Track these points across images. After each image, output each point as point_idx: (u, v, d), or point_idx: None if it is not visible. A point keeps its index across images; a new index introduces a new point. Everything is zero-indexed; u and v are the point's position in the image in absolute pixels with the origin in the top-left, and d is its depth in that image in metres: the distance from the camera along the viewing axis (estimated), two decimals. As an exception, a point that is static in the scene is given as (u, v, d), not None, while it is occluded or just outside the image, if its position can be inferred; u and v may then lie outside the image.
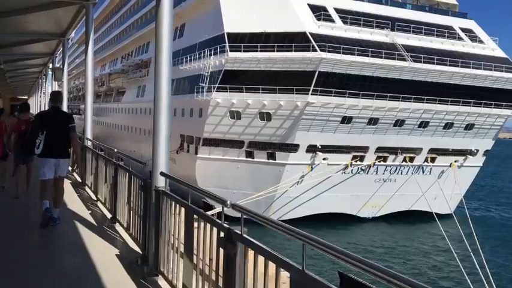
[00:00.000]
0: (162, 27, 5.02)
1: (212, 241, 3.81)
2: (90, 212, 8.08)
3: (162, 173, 5.00)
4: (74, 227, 7.10)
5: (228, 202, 3.69)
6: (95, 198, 8.79)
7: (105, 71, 68.44)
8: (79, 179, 10.97)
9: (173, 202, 4.69)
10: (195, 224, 4.18)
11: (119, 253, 5.83)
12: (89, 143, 10.09)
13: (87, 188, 9.98)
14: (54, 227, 7.06)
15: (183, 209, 4.47)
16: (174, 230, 4.67)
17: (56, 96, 7.68)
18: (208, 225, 3.90)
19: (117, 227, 7.04)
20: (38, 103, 33.11)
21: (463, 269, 22.09)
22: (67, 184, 9.84)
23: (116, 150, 6.78)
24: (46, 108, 17.17)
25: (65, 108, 13.93)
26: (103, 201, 8.14)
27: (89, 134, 10.35)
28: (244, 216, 3.34)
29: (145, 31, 47.84)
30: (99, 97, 70.28)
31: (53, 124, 7.19)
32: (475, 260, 22.64)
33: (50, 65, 20.63)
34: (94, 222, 7.40)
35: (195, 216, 4.21)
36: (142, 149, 43.90)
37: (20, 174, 9.53)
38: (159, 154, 5.06)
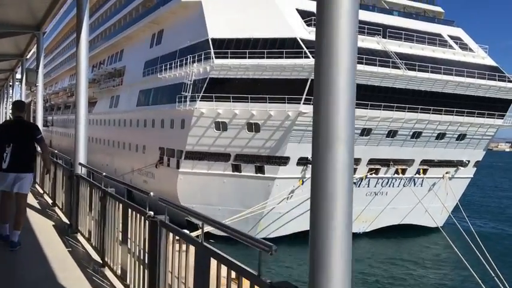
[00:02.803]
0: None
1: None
2: None
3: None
4: None
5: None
6: (100, 262, 5.87)
7: (74, 80, 65.16)
8: (65, 220, 8.25)
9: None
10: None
11: None
12: (83, 171, 7.05)
13: (80, 238, 7.06)
14: (14, 252, 6.34)
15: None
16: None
17: (19, 106, 7.12)
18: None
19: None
20: (4, 114, 30.17)
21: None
22: (49, 229, 7.90)
23: (152, 193, 4.31)
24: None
25: (40, 119, 11.67)
26: (119, 274, 5.36)
27: (81, 157, 7.07)
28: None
29: (119, 38, 45.43)
30: (68, 108, 66.93)
31: (19, 136, 6.71)
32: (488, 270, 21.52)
33: (19, 70, 18.15)
34: None
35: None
36: (116, 162, 41.38)
37: None
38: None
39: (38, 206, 9.72)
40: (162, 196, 4.14)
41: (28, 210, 8.26)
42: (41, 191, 11.46)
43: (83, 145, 7.26)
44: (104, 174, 5.78)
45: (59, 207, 9.28)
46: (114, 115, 44.18)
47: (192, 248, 3.37)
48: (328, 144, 2.21)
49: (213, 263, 3.10)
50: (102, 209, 5.75)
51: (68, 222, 7.83)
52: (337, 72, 2.22)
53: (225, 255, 2.98)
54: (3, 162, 6.58)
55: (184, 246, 3.56)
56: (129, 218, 4.85)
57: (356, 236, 31.13)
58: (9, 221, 6.73)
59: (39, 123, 11.53)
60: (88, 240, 6.71)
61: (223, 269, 3.00)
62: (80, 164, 7.19)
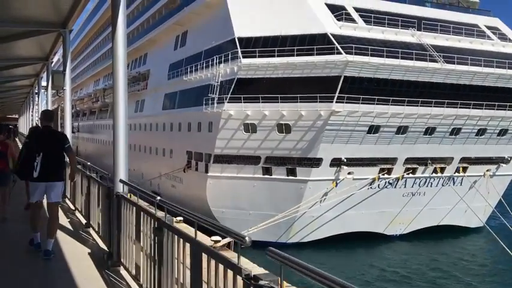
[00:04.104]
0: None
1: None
2: None
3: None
4: None
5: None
6: None
7: (99, 86, 65.40)
8: (103, 245, 6.97)
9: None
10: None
11: None
12: (125, 189, 5.77)
13: (124, 273, 5.74)
14: (49, 261, 6.33)
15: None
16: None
17: (47, 115, 7.27)
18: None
19: None
20: (30, 122, 29.85)
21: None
22: (84, 257, 6.72)
23: (247, 239, 3.01)
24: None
25: (68, 126, 10.75)
26: None
27: (122, 172, 5.83)
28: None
29: (143, 42, 45.04)
30: (93, 114, 67.18)
31: (49, 145, 6.83)
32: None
33: (44, 75, 17.43)
34: None
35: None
36: (143, 167, 40.90)
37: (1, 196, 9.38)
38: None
39: (69, 226, 8.54)
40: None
41: (58, 231, 7.38)
42: (72, 207, 10.24)
43: (123, 157, 5.92)
44: (159, 198, 4.42)
45: (94, 229, 7.89)
46: (139, 119, 43.76)
47: None
48: None
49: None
50: (156, 243, 4.33)
51: (107, 250, 6.47)
52: None
53: None
54: (34, 171, 6.66)
55: None
56: (204, 265, 3.43)
57: (392, 239, 29.87)
58: (40, 230, 6.79)
59: (68, 129, 10.65)
60: (136, 279, 5.18)
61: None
62: (122, 181, 5.81)
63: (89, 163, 8.24)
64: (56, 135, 7.24)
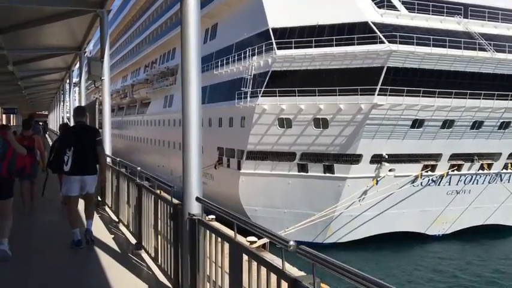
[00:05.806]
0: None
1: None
2: None
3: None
4: None
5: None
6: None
7: (127, 82, 65.18)
8: (163, 280, 5.23)
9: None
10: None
11: None
12: (199, 210, 4.31)
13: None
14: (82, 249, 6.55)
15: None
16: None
17: (80, 111, 7.37)
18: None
19: None
20: (61, 119, 29.23)
21: None
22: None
23: None
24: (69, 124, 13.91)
25: (107, 121, 9.65)
26: None
27: (195, 188, 4.26)
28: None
29: (171, 36, 44.24)
30: (122, 110, 67.07)
31: (81, 139, 6.88)
32: None
33: (75, 68, 16.46)
34: None
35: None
36: (172, 163, 40.25)
37: (25, 191, 9.43)
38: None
39: (114, 246, 6.84)
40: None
41: (103, 252, 6.25)
42: (115, 219, 8.30)
43: (196, 166, 4.27)
44: (293, 244, 2.79)
45: (148, 254, 5.99)
46: (168, 115, 43.12)
47: None
48: None
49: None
50: None
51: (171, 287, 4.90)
52: None
53: None
54: (65, 165, 6.72)
55: None
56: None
57: (435, 239, 28.33)
58: (79, 227, 6.79)
59: (107, 123, 9.57)
60: None
61: None
62: (199, 199, 4.25)
63: (139, 168, 6.68)
64: (87, 129, 7.23)
